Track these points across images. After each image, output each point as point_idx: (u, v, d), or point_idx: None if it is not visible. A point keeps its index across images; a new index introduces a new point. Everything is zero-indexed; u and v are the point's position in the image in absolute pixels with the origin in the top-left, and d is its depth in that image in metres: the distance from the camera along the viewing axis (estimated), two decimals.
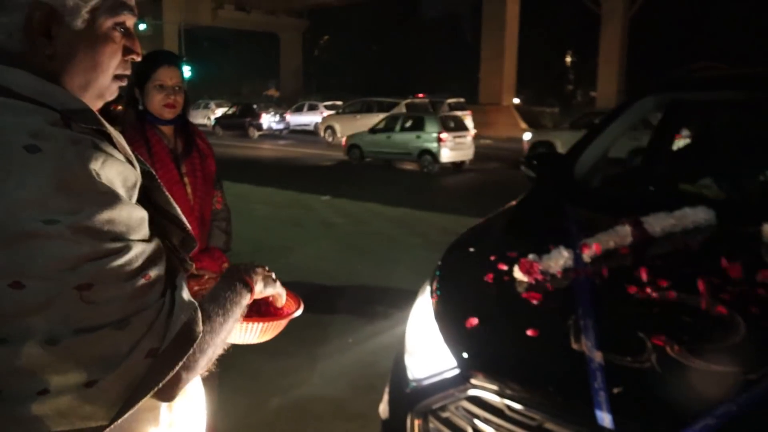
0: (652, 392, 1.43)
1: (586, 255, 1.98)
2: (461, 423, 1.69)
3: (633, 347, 1.53)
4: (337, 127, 23.56)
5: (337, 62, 49.67)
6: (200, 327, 0.96)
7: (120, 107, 2.53)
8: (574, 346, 1.58)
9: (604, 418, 1.39)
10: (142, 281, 0.91)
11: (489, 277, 2.01)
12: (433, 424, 1.76)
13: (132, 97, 2.43)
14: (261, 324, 1.22)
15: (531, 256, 1.97)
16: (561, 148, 15.66)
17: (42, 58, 0.97)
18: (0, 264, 0.84)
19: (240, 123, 27.47)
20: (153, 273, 0.94)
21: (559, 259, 1.95)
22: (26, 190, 0.84)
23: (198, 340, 0.96)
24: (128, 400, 0.90)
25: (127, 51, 1.05)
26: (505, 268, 2.02)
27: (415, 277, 2.36)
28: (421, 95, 23.57)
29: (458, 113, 19.53)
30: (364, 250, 7.03)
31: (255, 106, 29.09)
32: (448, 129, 15.73)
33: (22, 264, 0.84)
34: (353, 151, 17.45)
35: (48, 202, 0.85)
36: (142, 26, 31.52)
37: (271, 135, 27.23)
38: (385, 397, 2.12)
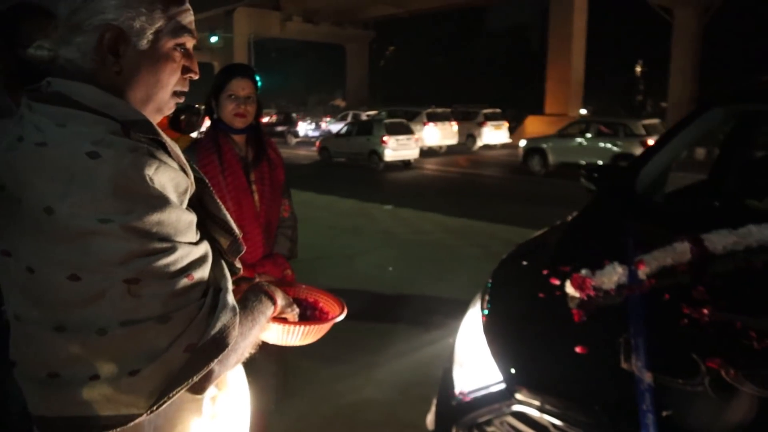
0: (703, 417, 1.38)
1: (642, 272, 1.92)
2: None
3: (686, 369, 1.48)
4: None
5: (403, 73, 49.90)
6: (237, 330, 1.04)
7: (183, 118, 2.65)
8: (624, 365, 1.54)
9: None
10: (185, 280, 0.99)
11: (540, 292, 1.98)
12: None
13: (209, 107, 2.54)
14: (303, 327, 1.28)
15: (584, 272, 1.93)
16: (550, 154, 16.88)
17: (109, 74, 1.06)
18: (60, 258, 0.94)
19: (279, 130, 30.14)
20: (196, 274, 1.01)
21: (613, 275, 1.91)
22: (86, 191, 0.93)
23: (234, 341, 1.03)
24: (164, 390, 0.97)
25: (185, 70, 1.14)
26: (557, 282, 1.99)
27: (473, 288, 2.37)
28: (440, 108, 25.86)
29: (492, 123, 24.62)
30: (424, 259, 7.02)
31: (294, 115, 32.93)
32: (391, 133, 18.78)
33: (79, 258, 0.93)
34: (324, 152, 21.17)
35: (104, 203, 0.93)
36: (213, 39, 32.55)
37: (307, 142, 29.36)
38: (433, 409, 2.11)
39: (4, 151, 1.01)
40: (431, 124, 23.44)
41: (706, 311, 1.70)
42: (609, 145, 15.66)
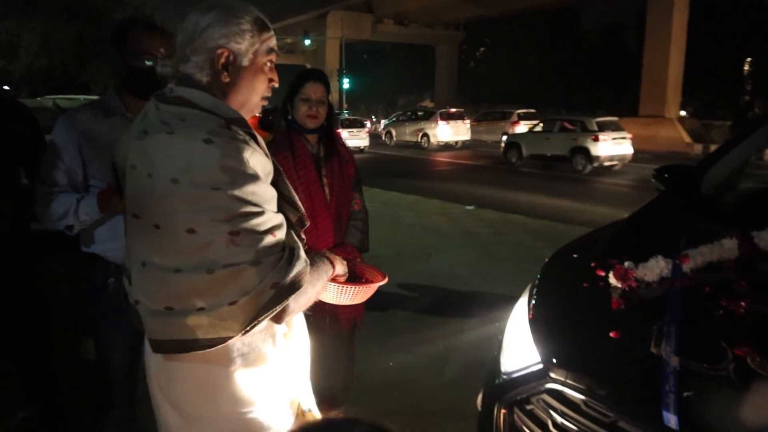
0: (723, 400, 1.45)
1: (685, 266, 1.98)
2: (542, 415, 1.78)
3: (713, 355, 1.55)
4: (393, 132, 29.67)
5: (493, 74, 49.38)
6: (308, 276, 1.38)
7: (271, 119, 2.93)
8: (653, 349, 1.62)
9: (670, 419, 1.43)
10: (270, 237, 1.33)
11: (584, 282, 2.08)
12: (517, 415, 1.87)
13: (284, 109, 2.79)
14: (354, 288, 1.65)
15: (627, 264, 2.00)
16: (524, 147, 19.50)
17: (220, 84, 1.41)
18: (182, 217, 1.28)
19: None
20: (278, 233, 1.35)
21: (656, 268, 1.97)
22: (202, 167, 1.27)
23: (306, 284, 1.37)
24: (254, 317, 1.30)
25: (270, 80, 1.50)
26: (602, 274, 2.07)
27: None
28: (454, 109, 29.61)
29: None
30: (501, 259, 7.07)
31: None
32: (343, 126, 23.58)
33: (196, 217, 1.28)
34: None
35: (215, 175, 1.27)
36: (307, 41, 33.47)
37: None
38: (482, 390, 2.24)
39: (134, 139, 1.37)
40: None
41: (743, 304, 1.74)
42: (568, 140, 17.92)
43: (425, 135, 27.09)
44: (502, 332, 2.28)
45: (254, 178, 1.31)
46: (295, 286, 1.33)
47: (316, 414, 1.64)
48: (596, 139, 17.16)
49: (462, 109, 29.52)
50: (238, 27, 1.39)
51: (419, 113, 29.51)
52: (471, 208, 10.67)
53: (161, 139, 1.31)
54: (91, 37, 25.26)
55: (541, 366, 1.83)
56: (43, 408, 2.76)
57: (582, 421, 1.63)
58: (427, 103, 47.77)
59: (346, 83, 34.75)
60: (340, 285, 1.61)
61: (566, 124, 18.63)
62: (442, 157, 23.02)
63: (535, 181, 15.37)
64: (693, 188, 2.84)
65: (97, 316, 2.32)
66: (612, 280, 2.00)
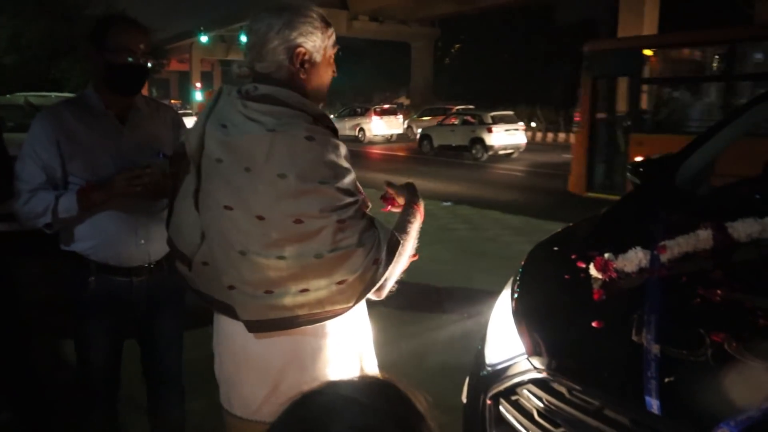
0: (703, 384, 1.50)
1: (663, 256, 2.03)
2: (528, 405, 1.81)
3: (691, 342, 1.59)
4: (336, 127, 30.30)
5: (467, 71, 49.53)
6: (398, 245, 1.50)
7: None
8: (635, 338, 1.66)
9: (653, 405, 1.47)
10: (367, 219, 1.48)
11: (566, 274, 2.11)
12: (503, 406, 1.90)
13: None
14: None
15: (607, 255, 2.04)
16: (435, 139, 22.25)
17: (298, 80, 1.52)
18: (290, 210, 1.39)
19: None
20: (368, 214, 1.50)
21: (635, 259, 2.01)
22: (307, 162, 1.40)
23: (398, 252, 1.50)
24: (362, 291, 1.47)
25: (333, 71, 1.63)
26: (583, 265, 2.11)
27: None
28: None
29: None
30: (479, 255, 7.13)
31: None
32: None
33: (303, 208, 1.40)
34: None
35: (320, 170, 1.41)
36: None
37: None
38: (466, 383, 2.27)
39: (216, 133, 1.47)
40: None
41: (719, 292, 1.79)
42: (468, 131, 20.70)
43: (361, 129, 29.04)
44: (485, 325, 2.31)
45: (349, 170, 1.47)
46: (391, 256, 1.48)
47: None
48: (490, 131, 19.95)
49: (395, 105, 31.81)
50: (311, 26, 1.51)
51: (357, 109, 31.30)
52: (448, 204, 10.73)
53: (262, 137, 1.41)
54: (62, 33, 24.79)
55: (525, 357, 1.86)
56: (25, 409, 2.73)
57: (567, 409, 1.66)
58: (403, 100, 47.72)
59: None
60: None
61: (468, 118, 21.52)
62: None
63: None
64: (668, 181, 2.90)
65: (77, 316, 2.30)
66: (593, 271, 2.04)
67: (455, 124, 21.94)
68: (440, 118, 28.37)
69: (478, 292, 5.49)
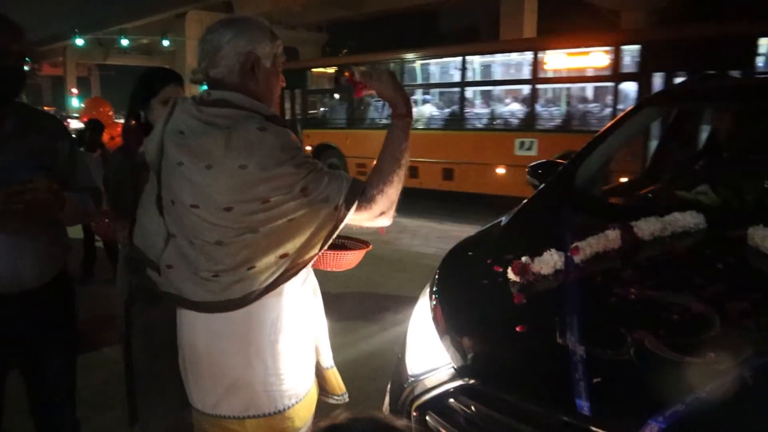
0: (629, 382, 1.53)
1: (577, 257, 2.08)
2: (455, 415, 1.79)
3: (614, 341, 1.63)
4: None
5: None
6: (360, 187, 1.65)
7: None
8: (559, 340, 1.68)
9: (583, 406, 1.48)
10: (324, 176, 1.60)
11: (484, 279, 2.12)
12: (430, 416, 1.86)
13: (137, 113, 2.55)
14: (348, 254, 1.95)
15: (524, 259, 2.07)
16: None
17: (248, 85, 1.65)
18: (255, 194, 1.53)
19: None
20: (325, 168, 1.64)
21: (551, 262, 2.05)
22: (264, 151, 1.53)
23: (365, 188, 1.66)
24: (327, 237, 1.63)
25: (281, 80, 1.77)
26: (500, 270, 2.13)
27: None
28: None
29: None
30: (382, 260, 7.14)
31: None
32: None
33: (268, 191, 1.53)
34: None
35: (277, 155, 1.54)
36: (165, 42, 31.99)
37: None
38: (387, 395, 2.22)
39: (174, 140, 1.61)
40: None
41: (633, 290, 1.86)
42: None
43: None
44: (405, 334, 2.27)
45: (300, 149, 1.61)
46: (353, 197, 1.62)
47: (336, 373, 1.93)
48: None
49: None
50: (260, 35, 1.66)
51: None
52: None
53: (219, 136, 1.54)
54: None
55: (450, 365, 1.84)
56: None
57: (497, 416, 1.65)
58: None
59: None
60: (336, 252, 1.89)
61: None
62: None
63: None
64: (567, 183, 3.01)
65: None
66: (511, 275, 2.05)
67: None
68: None
69: (396, 299, 5.51)
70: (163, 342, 1.91)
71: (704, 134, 3.83)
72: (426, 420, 1.87)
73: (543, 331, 1.77)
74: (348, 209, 1.62)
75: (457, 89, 11.83)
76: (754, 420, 1.38)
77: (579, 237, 2.19)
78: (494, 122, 11.45)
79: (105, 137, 7.44)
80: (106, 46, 39.95)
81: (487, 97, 12.36)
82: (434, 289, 2.24)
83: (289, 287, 1.67)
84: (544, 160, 3.47)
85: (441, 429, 1.80)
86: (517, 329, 1.79)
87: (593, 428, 1.47)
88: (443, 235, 8.74)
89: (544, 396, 1.60)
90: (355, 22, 42.43)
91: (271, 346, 1.65)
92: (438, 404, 1.85)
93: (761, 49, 8.26)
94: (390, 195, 1.67)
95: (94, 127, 6.87)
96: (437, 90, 13.08)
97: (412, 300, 2.39)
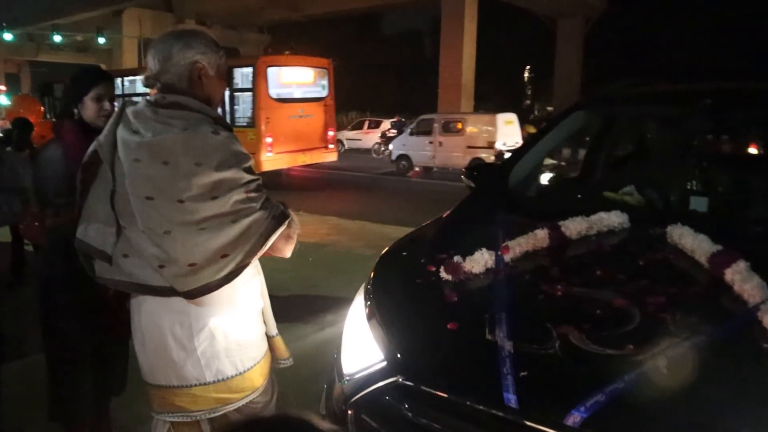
0: (553, 375, 1.59)
1: (507, 256, 2.14)
2: (390, 412, 1.81)
3: (540, 336, 1.69)
4: None
5: None
6: (285, 216, 1.87)
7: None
8: (489, 336, 1.73)
9: (511, 399, 1.53)
10: (263, 193, 1.84)
11: (417, 278, 2.15)
12: (365, 414, 1.88)
13: (69, 110, 2.59)
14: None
15: (456, 258, 2.11)
16: None
17: (196, 90, 1.88)
18: (206, 190, 1.72)
19: None
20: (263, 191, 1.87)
21: (481, 261, 2.10)
22: (217, 152, 1.76)
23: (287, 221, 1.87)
24: (260, 240, 1.82)
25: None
26: (433, 269, 2.16)
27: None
28: None
29: None
30: (321, 263, 7.11)
31: None
32: None
33: (217, 187, 1.74)
34: None
35: (228, 158, 1.77)
36: (101, 40, 30.99)
37: None
38: (323, 394, 2.23)
39: (131, 139, 1.78)
40: None
41: (559, 287, 1.92)
42: None
43: None
44: (339, 335, 2.28)
45: (248, 156, 1.84)
46: (280, 223, 1.84)
47: (281, 339, 2.16)
48: None
49: None
50: (205, 46, 1.89)
51: None
52: (300, 213, 10.61)
53: (176, 135, 1.75)
54: None
55: (384, 363, 1.86)
56: None
57: (431, 412, 1.68)
58: None
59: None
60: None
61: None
62: None
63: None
64: (500, 184, 3.08)
65: None
66: (443, 274, 2.09)
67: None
68: None
69: (327, 299, 5.49)
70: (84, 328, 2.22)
71: (633, 137, 3.99)
72: (361, 418, 1.88)
73: (473, 328, 1.81)
74: (276, 229, 1.85)
75: None
76: (668, 407, 1.45)
77: (509, 236, 2.25)
78: None
79: (36, 136, 7.16)
80: (37, 42, 38.43)
81: None
82: (369, 289, 2.26)
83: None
84: (481, 163, 3.54)
85: (375, 426, 1.82)
86: (449, 327, 1.83)
87: (520, 420, 1.51)
88: (385, 237, 8.78)
89: (473, 391, 1.64)
90: (298, 23, 42.16)
91: (225, 321, 1.89)
92: (372, 402, 1.87)
93: None
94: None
95: (23, 126, 6.62)
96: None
97: (351, 301, 2.40)
